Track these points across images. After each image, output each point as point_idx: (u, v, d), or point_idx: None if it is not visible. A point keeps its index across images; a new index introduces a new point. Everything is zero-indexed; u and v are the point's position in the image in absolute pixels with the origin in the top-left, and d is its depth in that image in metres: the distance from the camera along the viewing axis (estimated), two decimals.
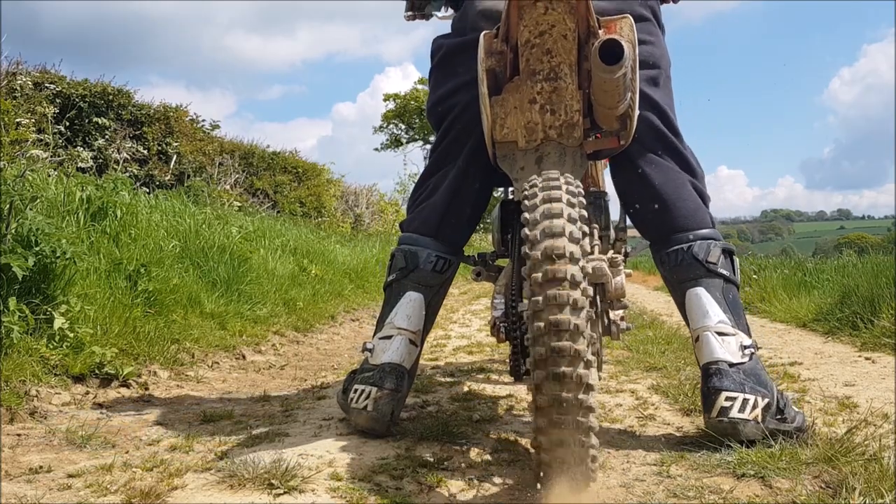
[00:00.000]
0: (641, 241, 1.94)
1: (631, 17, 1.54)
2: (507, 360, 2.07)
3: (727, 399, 1.53)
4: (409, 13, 2.22)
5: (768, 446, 1.48)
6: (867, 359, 2.82)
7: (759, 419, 1.52)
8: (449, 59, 1.81)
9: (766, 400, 1.54)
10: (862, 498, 1.18)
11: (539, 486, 1.15)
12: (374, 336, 1.77)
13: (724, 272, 1.66)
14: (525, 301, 1.18)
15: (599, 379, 1.92)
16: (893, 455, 1.33)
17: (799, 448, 1.45)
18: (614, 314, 1.61)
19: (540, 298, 1.14)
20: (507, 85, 1.55)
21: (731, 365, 1.56)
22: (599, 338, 1.55)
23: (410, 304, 1.73)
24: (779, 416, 1.55)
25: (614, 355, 3.01)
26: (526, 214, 1.24)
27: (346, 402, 1.73)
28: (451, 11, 2.14)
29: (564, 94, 1.51)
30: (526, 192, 1.30)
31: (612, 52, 1.35)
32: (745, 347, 1.59)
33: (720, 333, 1.60)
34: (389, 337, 1.71)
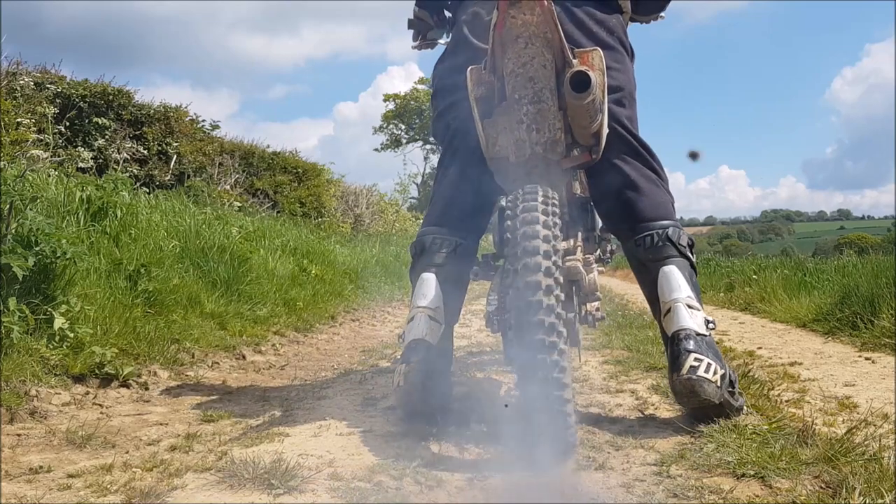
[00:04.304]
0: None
1: (601, 50, 1.75)
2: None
3: (695, 360, 1.70)
4: (416, 43, 2.40)
5: (721, 415, 1.69)
6: (867, 359, 2.82)
7: (718, 385, 1.69)
8: (444, 82, 2.06)
9: (723, 371, 1.72)
10: (862, 498, 1.18)
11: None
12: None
13: (692, 257, 1.89)
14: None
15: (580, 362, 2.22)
16: (893, 455, 1.33)
17: (799, 448, 1.45)
18: (590, 306, 1.79)
19: (518, 305, 1.37)
20: (496, 108, 1.75)
21: (698, 334, 1.74)
22: (576, 325, 1.71)
23: (424, 283, 1.89)
24: (730, 390, 1.75)
25: (614, 355, 3.01)
26: (507, 221, 1.50)
27: (392, 388, 1.85)
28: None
29: (547, 115, 1.71)
30: (508, 203, 1.56)
31: (581, 82, 1.61)
32: (709, 322, 1.80)
33: (690, 307, 1.79)
34: (413, 318, 1.86)
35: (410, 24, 2.33)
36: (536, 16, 1.61)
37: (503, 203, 2.01)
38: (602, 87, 1.70)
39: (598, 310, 1.82)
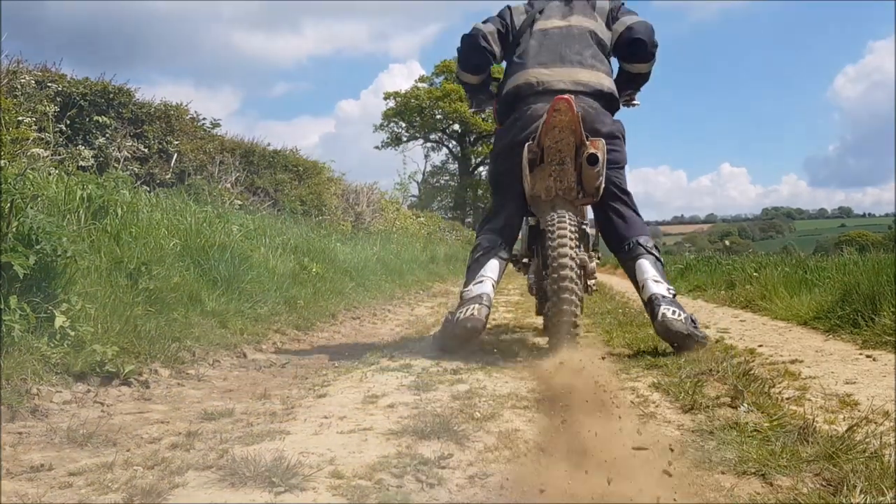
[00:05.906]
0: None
1: (603, 140, 2.92)
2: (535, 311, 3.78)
3: (664, 309, 2.84)
4: (473, 110, 3.83)
5: (692, 343, 2.77)
6: (868, 356, 2.81)
7: (684, 322, 2.81)
8: (510, 150, 3.12)
9: (685, 314, 2.87)
10: (863, 495, 1.18)
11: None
12: (466, 287, 3.00)
13: (656, 254, 3.11)
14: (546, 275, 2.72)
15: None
16: (894, 453, 1.33)
17: (800, 446, 1.45)
18: (590, 281, 3.10)
19: (556, 275, 2.61)
20: (536, 167, 2.96)
21: (663, 296, 2.90)
22: (581, 294, 2.85)
23: (496, 263, 3.08)
24: (693, 326, 2.85)
25: (615, 353, 3.01)
26: (548, 234, 2.71)
27: (452, 322, 2.93)
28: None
29: (567, 172, 2.93)
30: (548, 221, 2.77)
31: (594, 159, 2.84)
32: (670, 290, 2.97)
33: (656, 281, 2.98)
34: (482, 281, 2.97)
35: (470, 96, 3.63)
36: (568, 117, 2.77)
37: (532, 222, 3.28)
38: (604, 161, 2.86)
39: (594, 285, 3.20)
